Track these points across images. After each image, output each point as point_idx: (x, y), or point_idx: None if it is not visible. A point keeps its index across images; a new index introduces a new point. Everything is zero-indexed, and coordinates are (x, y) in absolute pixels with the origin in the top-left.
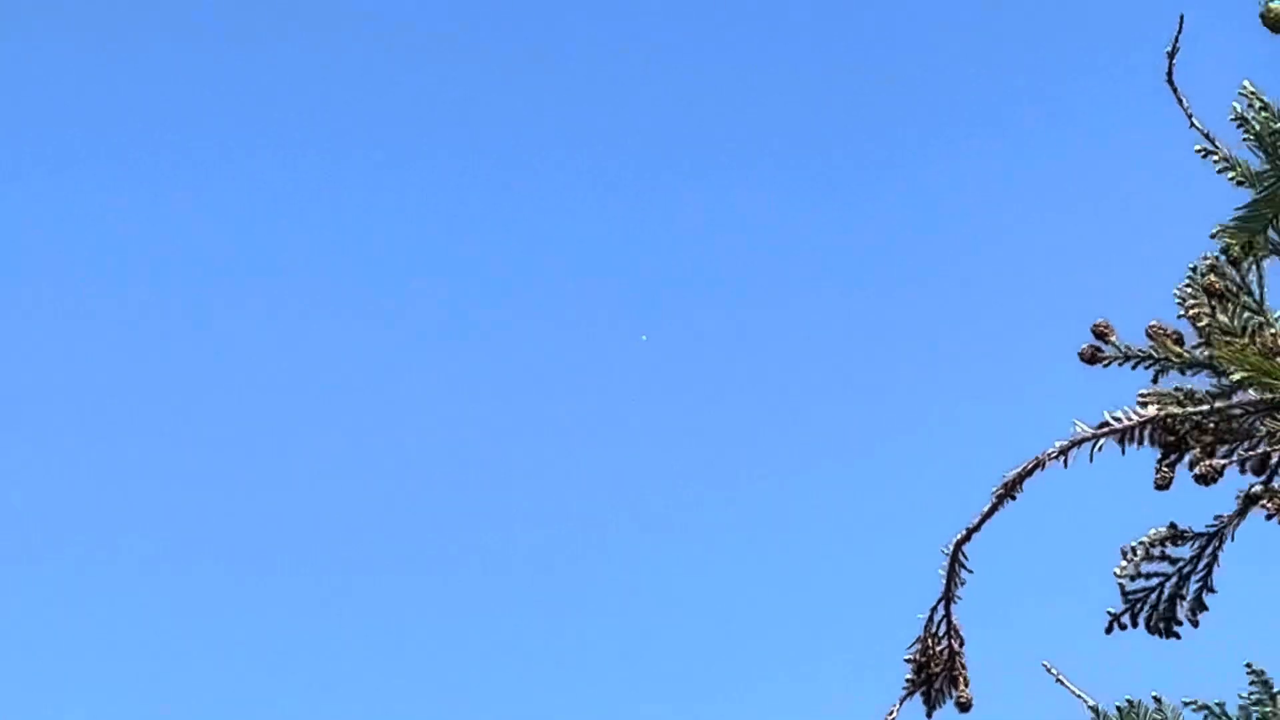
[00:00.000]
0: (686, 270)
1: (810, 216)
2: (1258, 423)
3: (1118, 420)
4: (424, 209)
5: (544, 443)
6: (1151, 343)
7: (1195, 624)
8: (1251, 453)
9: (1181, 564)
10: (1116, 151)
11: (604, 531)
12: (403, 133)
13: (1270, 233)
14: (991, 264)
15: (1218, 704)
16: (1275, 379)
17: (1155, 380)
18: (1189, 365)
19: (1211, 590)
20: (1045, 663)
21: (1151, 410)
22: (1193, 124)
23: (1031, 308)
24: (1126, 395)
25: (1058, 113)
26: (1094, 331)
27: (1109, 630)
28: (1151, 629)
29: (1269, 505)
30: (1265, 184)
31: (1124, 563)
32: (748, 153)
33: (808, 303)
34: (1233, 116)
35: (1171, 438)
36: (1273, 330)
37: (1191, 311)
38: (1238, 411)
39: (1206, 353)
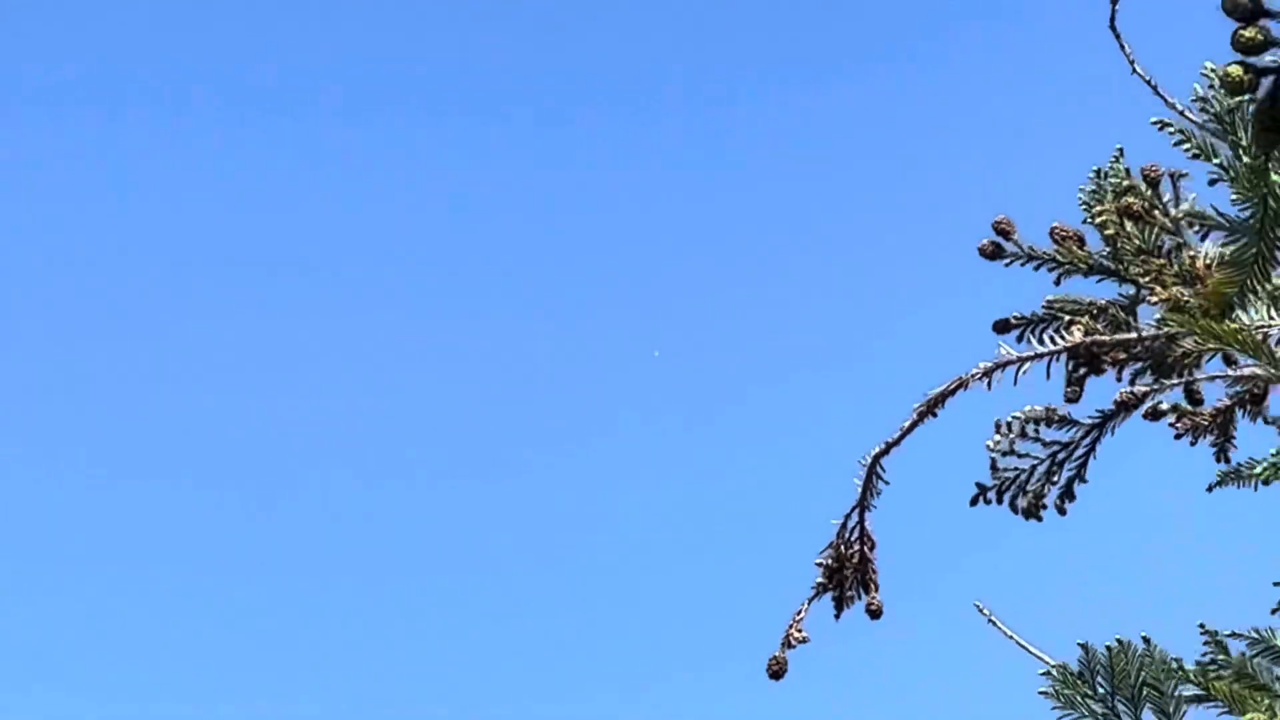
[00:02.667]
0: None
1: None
2: (1169, 342)
3: (1044, 344)
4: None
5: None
6: (1055, 245)
7: (1063, 512)
8: (1177, 380)
9: (1056, 448)
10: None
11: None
12: None
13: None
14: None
15: (1175, 659)
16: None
17: (1058, 283)
18: (1094, 271)
19: (1084, 480)
20: (977, 603)
21: (1078, 336)
22: (1135, 71)
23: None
24: (1026, 294)
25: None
26: (995, 228)
27: (974, 503)
28: (1016, 509)
29: (1179, 425)
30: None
31: (997, 436)
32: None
33: (730, 214)
34: (1194, 98)
35: (1085, 357)
36: (1191, 253)
37: (1099, 220)
38: (1153, 332)
39: (1110, 258)
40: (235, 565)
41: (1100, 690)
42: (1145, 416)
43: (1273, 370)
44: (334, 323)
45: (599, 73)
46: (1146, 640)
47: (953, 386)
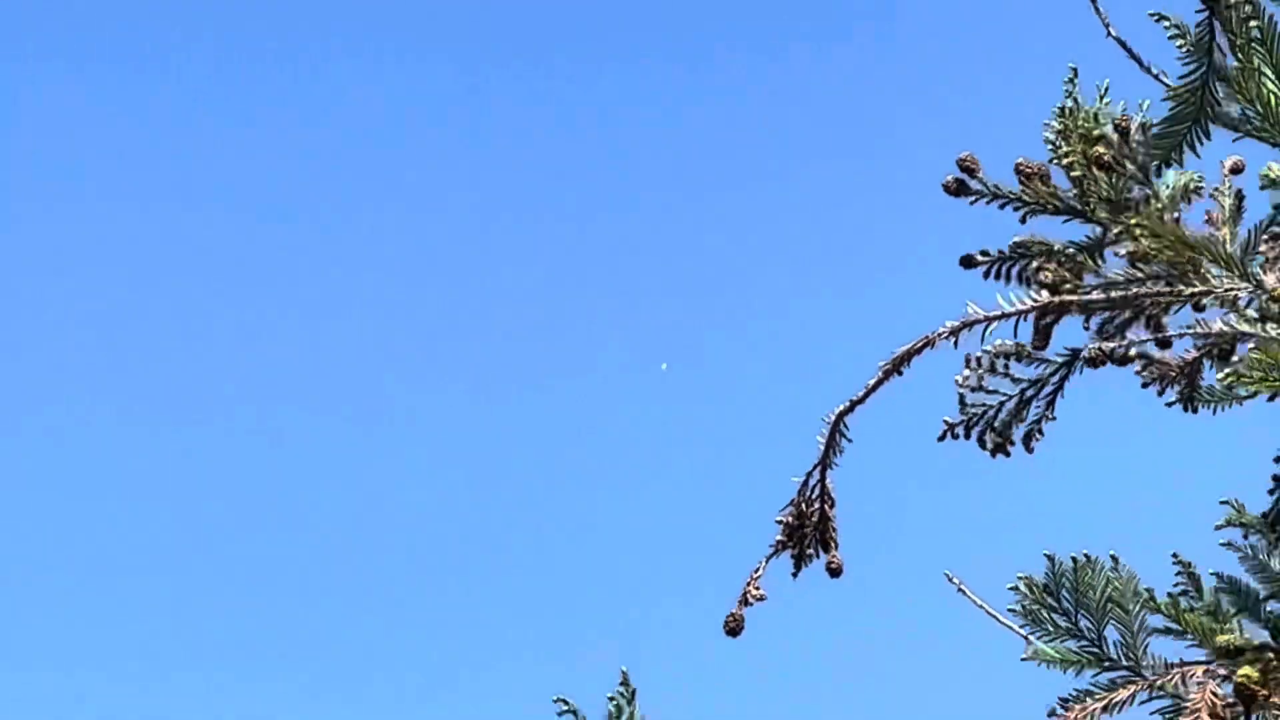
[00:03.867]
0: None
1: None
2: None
3: (1012, 301)
4: None
5: None
6: (1021, 182)
7: (1030, 450)
8: (1152, 337)
9: (1025, 385)
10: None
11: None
12: None
13: None
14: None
15: (1147, 589)
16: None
17: (1024, 221)
18: (1061, 211)
19: (1052, 418)
20: (947, 572)
21: (1046, 296)
22: (1110, 34)
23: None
24: (993, 232)
25: None
26: (960, 165)
27: (941, 438)
28: (983, 444)
29: (1145, 374)
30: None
31: (966, 372)
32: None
33: (692, 163)
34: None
35: (1054, 312)
36: (1159, 205)
37: (1067, 161)
38: (1122, 291)
39: (1078, 199)
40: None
41: (1065, 604)
42: (1113, 362)
43: (1242, 327)
44: (281, 291)
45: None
46: (1114, 558)
47: (919, 345)
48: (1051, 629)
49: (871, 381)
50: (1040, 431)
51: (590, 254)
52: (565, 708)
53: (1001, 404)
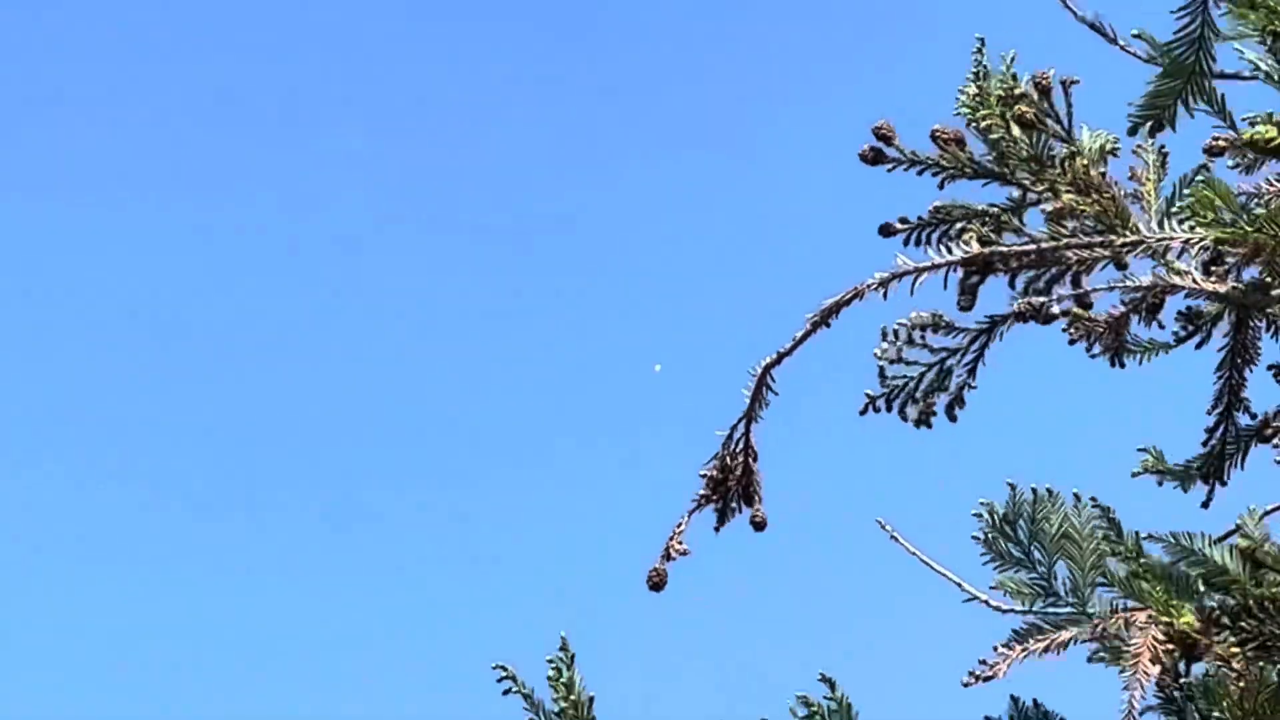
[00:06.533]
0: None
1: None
2: (1066, 251)
3: (939, 253)
4: None
5: None
6: (938, 148)
7: (953, 419)
8: (1074, 293)
9: (944, 355)
10: None
11: None
12: None
13: None
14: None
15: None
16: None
17: (942, 186)
18: (979, 174)
19: (973, 387)
20: (879, 519)
21: (976, 247)
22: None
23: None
24: (911, 198)
25: None
26: (876, 134)
27: (863, 412)
28: (904, 417)
29: (1072, 331)
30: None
31: (885, 344)
32: None
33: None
34: None
35: (981, 266)
36: (1084, 161)
37: (985, 125)
38: (1052, 243)
39: (996, 162)
40: None
41: (1020, 535)
42: (1041, 319)
43: (1169, 279)
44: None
45: None
46: (1077, 496)
47: (848, 296)
48: (1006, 559)
49: (799, 334)
50: (962, 401)
51: (529, 207)
52: (504, 674)
53: (922, 374)
